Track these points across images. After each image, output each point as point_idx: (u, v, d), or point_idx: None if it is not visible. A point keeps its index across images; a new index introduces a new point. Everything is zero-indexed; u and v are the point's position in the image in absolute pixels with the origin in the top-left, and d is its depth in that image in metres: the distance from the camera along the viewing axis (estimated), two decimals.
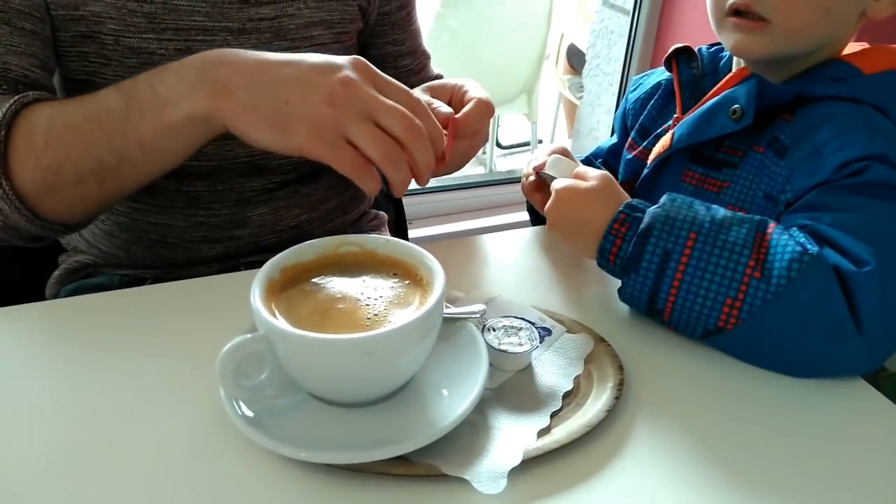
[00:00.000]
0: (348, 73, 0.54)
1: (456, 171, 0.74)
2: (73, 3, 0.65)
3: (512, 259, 0.74)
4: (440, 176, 0.70)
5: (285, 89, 0.54)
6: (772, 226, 0.58)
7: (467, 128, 0.66)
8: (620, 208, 0.62)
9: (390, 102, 0.54)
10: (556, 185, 0.67)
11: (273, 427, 0.46)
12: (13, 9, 0.64)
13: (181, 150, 0.61)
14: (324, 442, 0.46)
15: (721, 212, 0.59)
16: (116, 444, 0.49)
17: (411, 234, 1.13)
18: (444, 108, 0.66)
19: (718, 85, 0.74)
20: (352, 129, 0.53)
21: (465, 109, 0.67)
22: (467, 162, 0.74)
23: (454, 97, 0.71)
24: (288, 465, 0.47)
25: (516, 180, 2.17)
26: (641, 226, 0.59)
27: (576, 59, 2.58)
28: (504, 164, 3.08)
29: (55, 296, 0.82)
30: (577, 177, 0.67)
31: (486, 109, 0.68)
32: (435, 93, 0.70)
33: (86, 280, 0.81)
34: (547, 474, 0.47)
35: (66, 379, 0.55)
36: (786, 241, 0.57)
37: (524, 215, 0.90)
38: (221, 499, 0.45)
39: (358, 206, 0.91)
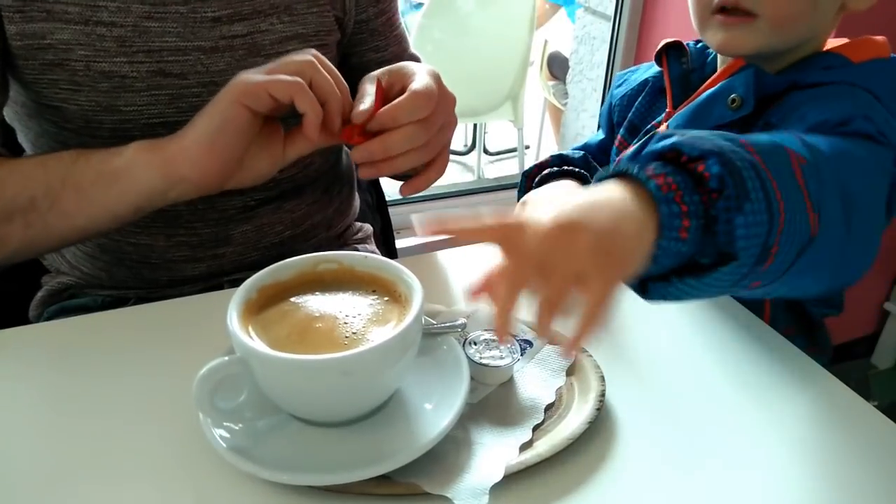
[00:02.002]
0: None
1: (407, 166, 0.67)
2: (40, 32, 0.64)
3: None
4: (385, 174, 0.67)
5: (208, 107, 0.61)
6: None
7: (392, 121, 0.63)
8: (642, 167, 0.44)
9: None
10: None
11: (253, 450, 0.46)
12: None
13: (112, 204, 0.63)
14: (304, 463, 0.46)
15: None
16: (96, 466, 0.48)
17: (399, 244, 1.13)
18: (358, 109, 0.63)
19: (713, 77, 0.74)
20: (261, 79, 0.59)
21: (387, 106, 0.64)
22: (425, 150, 0.67)
23: (405, 86, 0.66)
24: (269, 487, 0.46)
25: (504, 187, 2.17)
26: (707, 147, 0.43)
27: (557, 67, 2.59)
28: (492, 170, 3.09)
29: (38, 317, 0.82)
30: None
31: (411, 104, 0.63)
32: (393, 77, 0.68)
33: (69, 301, 0.81)
34: (529, 488, 0.47)
35: (47, 402, 0.55)
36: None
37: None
38: None
39: (342, 221, 0.91)
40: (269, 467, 0.44)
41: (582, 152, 0.91)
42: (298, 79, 0.59)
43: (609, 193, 0.42)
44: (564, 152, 0.91)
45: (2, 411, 0.54)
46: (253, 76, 0.60)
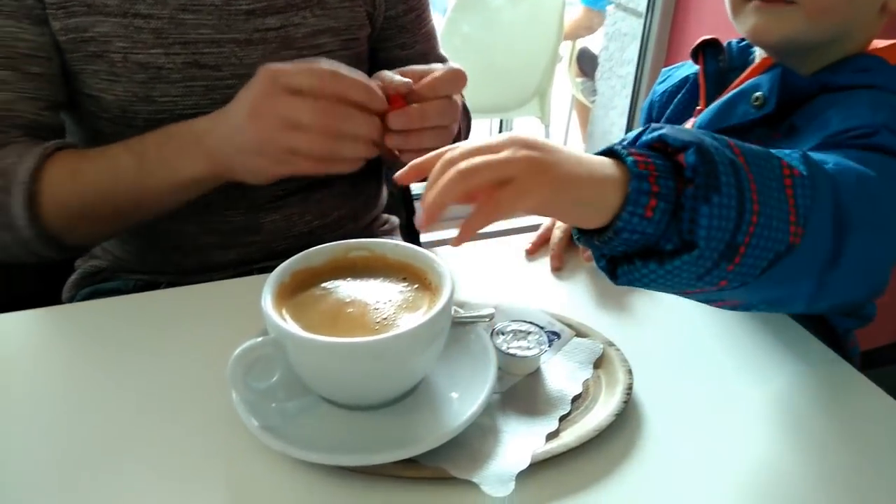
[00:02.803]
0: (255, 99, 0.61)
1: (432, 145, 0.70)
2: (82, 26, 0.67)
3: (521, 262, 0.75)
4: (411, 149, 0.66)
5: (234, 141, 0.63)
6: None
7: (430, 91, 0.65)
8: (624, 143, 0.46)
9: (298, 102, 0.60)
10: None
11: (283, 429, 0.47)
12: (20, 54, 0.67)
13: (185, 198, 0.70)
14: (334, 444, 0.46)
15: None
16: (129, 445, 0.50)
17: (423, 237, 1.13)
18: (397, 79, 0.65)
19: (742, 75, 0.73)
20: (285, 142, 0.60)
21: (427, 77, 0.66)
22: (449, 132, 0.70)
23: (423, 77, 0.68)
24: (298, 466, 0.47)
25: None
26: (688, 139, 0.44)
27: (586, 63, 2.58)
28: None
29: (71, 299, 0.83)
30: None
31: (450, 76, 0.66)
32: (405, 75, 0.68)
33: (101, 284, 0.82)
34: (555, 477, 0.47)
35: (81, 381, 0.56)
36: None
37: (536, 217, 0.89)
38: (232, 500, 0.46)
39: (369, 212, 0.91)
40: (300, 446, 0.45)
41: None
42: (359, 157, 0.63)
43: (593, 155, 0.45)
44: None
45: (35, 389, 0.55)
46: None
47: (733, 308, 0.54)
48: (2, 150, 0.67)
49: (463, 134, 0.91)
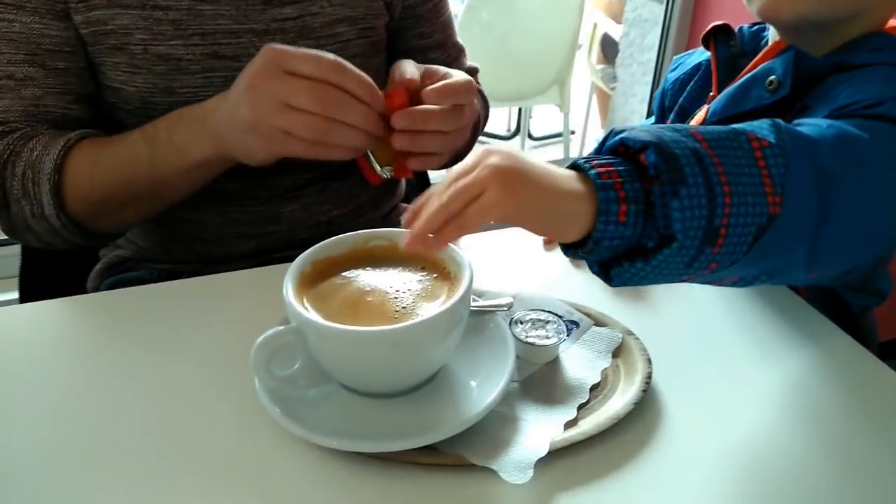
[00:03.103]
0: (254, 76, 0.59)
1: (436, 150, 0.66)
2: (102, 18, 0.68)
3: (540, 252, 0.75)
4: (415, 151, 0.65)
5: (231, 118, 0.62)
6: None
7: (435, 98, 0.63)
8: (584, 157, 0.48)
9: (295, 83, 0.58)
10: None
11: (305, 416, 0.48)
12: (45, 50, 0.68)
13: (197, 181, 0.71)
14: (354, 431, 0.47)
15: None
16: (152, 431, 0.51)
17: None
18: (405, 74, 0.64)
19: (755, 60, 0.72)
20: (278, 122, 0.59)
21: (437, 83, 0.64)
22: (452, 137, 0.67)
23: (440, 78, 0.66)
24: (319, 452, 0.48)
25: None
26: (647, 139, 0.46)
27: (609, 49, 2.55)
28: (536, 155, 3.07)
29: (96, 289, 0.85)
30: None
31: (459, 87, 0.64)
32: (423, 73, 0.67)
33: (125, 274, 0.84)
34: (573, 465, 0.47)
35: (104, 368, 0.57)
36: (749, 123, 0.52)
37: None
38: (254, 485, 0.46)
39: (389, 201, 0.92)
40: (321, 433, 0.46)
41: None
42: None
43: (563, 170, 0.47)
44: None
45: (60, 376, 0.56)
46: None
47: (733, 284, 0.54)
48: (29, 143, 0.68)
49: (482, 122, 0.91)
